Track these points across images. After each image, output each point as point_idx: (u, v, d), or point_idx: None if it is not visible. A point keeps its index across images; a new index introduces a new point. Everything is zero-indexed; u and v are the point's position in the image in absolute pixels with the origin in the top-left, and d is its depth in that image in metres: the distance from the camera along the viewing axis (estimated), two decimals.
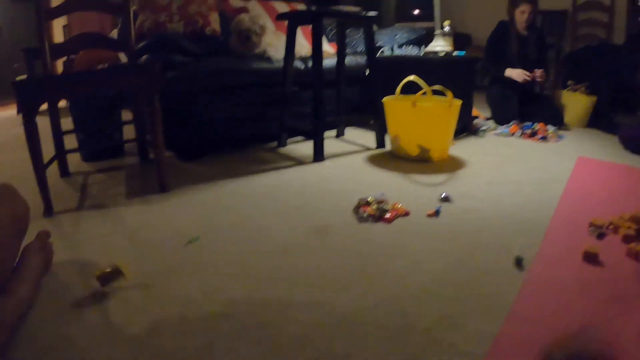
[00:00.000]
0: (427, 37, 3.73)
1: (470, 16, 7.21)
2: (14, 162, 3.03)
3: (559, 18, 6.41)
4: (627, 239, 1.80)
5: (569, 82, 4.59)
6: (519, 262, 1.60)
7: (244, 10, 3.73)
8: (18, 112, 2.00)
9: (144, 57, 2.90)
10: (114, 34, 3.64)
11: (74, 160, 2.94)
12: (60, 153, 2.71)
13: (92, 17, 6.17)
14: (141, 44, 2.94)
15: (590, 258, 1.64)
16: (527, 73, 4.04)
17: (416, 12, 6.87)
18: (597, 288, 1.44)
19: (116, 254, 1.68)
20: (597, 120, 4.24)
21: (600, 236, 1.84)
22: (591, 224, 1.91)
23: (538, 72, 4.06)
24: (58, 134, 2.66)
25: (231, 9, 3.76)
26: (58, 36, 7.05)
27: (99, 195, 2.38)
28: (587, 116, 4.31)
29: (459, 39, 6.85)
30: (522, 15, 4.20)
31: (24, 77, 5.74)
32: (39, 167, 2.10)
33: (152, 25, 3.16)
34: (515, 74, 4.07)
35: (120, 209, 2.15)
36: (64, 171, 2.75)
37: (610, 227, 1.91)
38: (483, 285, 1.46)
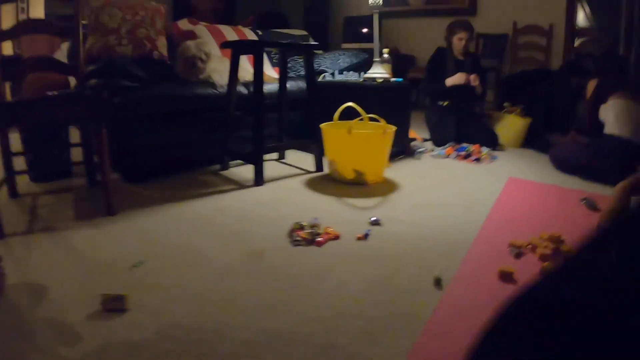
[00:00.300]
0: (370, 61, 3.91)
1: (415, 39, 7.44)
2: None
3: (500, 41, 6.63)
4: (543, 258, 1.96)
5: (505, 104, 4.87)
6: (438, 282, 1.76)
7: (191, 34, 3.87)
8: None
9: (93, 81, 3.00)
10: (62, 54, 3.69)
11: (23, 182, 3.00)
12: (10, 174, 2.78)
13: (42, 36, 6.15)
14: (90, 68, 3.04)
15: (506, 277, 1.79)
16: (464, 75, 4.29)
17: (364, 30, 7.03)
18: None
19: (65, 277, 1.79)
20: (532, 141, 4.52)
21: (518, 256, 2.01)
22: (510, 245, 2.08)
23: (472, 76, 4.30)
24: (7, 156, 2.73)
25: (179, 32, 3.89)
26: (7, 49, 6.99)
27: (48, 217, 2.47)
28: (522, 137, 4.58)
29: (403, 61, 7.09)
30: (459, 42, 4.47)
31: None
32: None
33: (101, 49, 3.24)
34: (455, 77, 4.33)
35: (69, 232, 2.25)
36: (13, 192, 2.82)
37: (529, 247, 2.08)
38: (402, 304, 1.63)
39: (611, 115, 3.47)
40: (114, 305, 1.56)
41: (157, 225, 2.34)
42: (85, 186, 3.01)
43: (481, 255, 2.04)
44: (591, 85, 3.77)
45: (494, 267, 1.87)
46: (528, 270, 1.89)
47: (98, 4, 3.30)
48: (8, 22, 2.68)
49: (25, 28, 2.77)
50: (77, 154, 3.11)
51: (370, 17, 3.67)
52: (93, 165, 3.01)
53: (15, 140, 2.88)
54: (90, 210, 2.57)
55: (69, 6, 2.80)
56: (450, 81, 4.36)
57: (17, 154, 2.83)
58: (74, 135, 3.22)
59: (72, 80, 3.33)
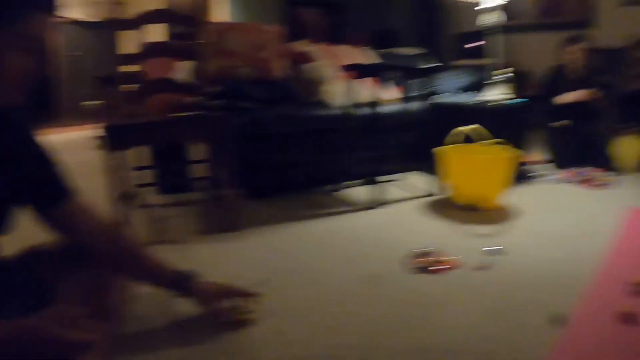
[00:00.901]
0: (486, 80, 3.82)
1: (528, 54, 7.20)
2: (86, 190, 3.30)
3: (618, 56, 6.25)
4: None
5: (629, 125, 4.57)
6: (555, 320, 1.67)
7: (306, 55, 3.95)
8: (109, 150, 2.28)
9: (217, 102, 3.14)
10: (180, 73, 3.86)
11: (151, 193, 3.21)
12: (140, 186, 2.98)
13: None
14: (214, 90, 3.18)
15: (628, 318, 1.66)
16: (584, 91, 4.12)
17: (477, 44, 6.91)
18: (632, 349, 1.52)
19: None
20: None
21: None
22: (634, 283, 1.90)
23: (591, 91, 4.14)
24: (137, 169, 2.93)
25: (296, 54, 3.98)
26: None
27: (173, 230, 2.62)
28: None
29: (517, 77, 6.87)
30: (573, 56, 4.29)
31: (92, 102, 6.15)
32: (118, 199, 2.39)
33: (223, 71, 3.37)
34: (573, 95, 4.15)
35: (194, 244, 2.40)
36: (141, 203, 3.01)
37: None
38: (517, 340, 1.57)
39: None
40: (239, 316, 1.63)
41: (276, 244, 2.42)
42: (207, 200, 3.15)
43: (600, 293, 1.91)
44: None
45: (615, 306, 1.74)
46: None
47: (219, 28, 3.46)
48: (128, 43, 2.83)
49: (155, 51, 2.92)
50: (196, 170, 3.27)
51: (483, 33, 3.60)
52: (215, 181, 3.15)
53: (141, 155, 3.09)
54: (212, 224, 2.70)
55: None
56: (567, 98, 4.17)
57: (145, 167, 3.02)
58: (194, 152, 3.38)
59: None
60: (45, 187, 1.23)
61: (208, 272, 2.05)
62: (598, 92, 4.12)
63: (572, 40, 4.34)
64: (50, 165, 1.24)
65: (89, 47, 9.04)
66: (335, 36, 12.23)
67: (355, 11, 12.72)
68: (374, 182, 3.03)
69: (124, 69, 2.72)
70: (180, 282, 1.56)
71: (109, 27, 2.90)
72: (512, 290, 1.93)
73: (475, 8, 3.52)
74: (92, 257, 1.30)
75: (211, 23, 3.56)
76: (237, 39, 3.45)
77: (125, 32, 2.76)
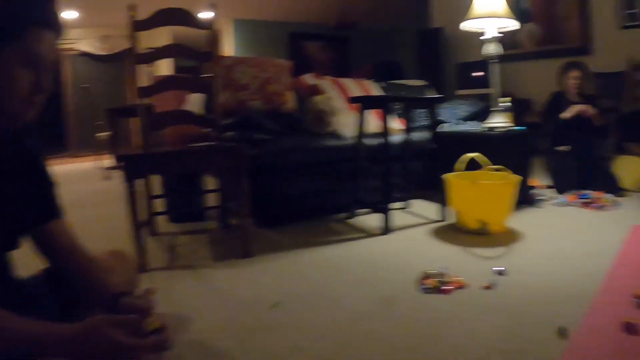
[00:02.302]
0: (488, 109, 3.92)
1: (529, 82, 7.31)
2: (101, 218, 3.39)
3: (617, 79, 6.24)
4: None
5: (629, 145, 4.66)
6: (562, 333, 1.72)
7: (316, 88, 4.06)
8: (125, 181, 2.35)
9: (229, 133, 3.24)
10: (191, 105, 3.95)
11: (161, 221, 3.28)
12: (152, 214, 3.05)
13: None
14: (226, 122, 3.28)
15: (630, 329, 1.72)
16: (579, 106, 4.23)
17: (479, 74, 7.04)
18: (636, 357, 1.57)
19: (209, 311, 1.95)
20: None
21: None
22: (636, 295, 1.97)
23: (585, 106, 4.23)
24: (150, 198, 3.01)
25: (305, 86, 4.09)
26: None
27: (187, 256, 2.69)
28: None
29: (519, 105, 6.95)
30: (573, 82, 4.40)
31: (106, 134, 6.29)
32: (137, 226, 2.44)
33: (234, 103, 3.46)
34: (569, 110, 4.26)
35: (208, 270, 2.44)
36: (153, 231, 3.08)
37: None
38: (529, 353, 1.61)
39: None
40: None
41: (291, 269, 2.46)
42: (218, 229, 3.22)
43: (605, 306, 1.97)
44: None
45: (618, 318, 1.80)
46: None
47: (229, 62, 3.56)
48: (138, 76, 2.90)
49: (168, 84, 3.01)
50: (207, 200, 3.35)
51: (485, 62, 3.69)
52: (227, 210, 3.22)
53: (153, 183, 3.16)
54: (226, 251, 2.76)
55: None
56: (566, 114, 4.27)
57: (158, 196, 3.10)
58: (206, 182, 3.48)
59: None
60: (42, 204, 1.28)
61: (226, 293, 2.13)
62: (592, 108, 4.22)
63: (571, 67, 4.47)
64: (49, 184, 1.30)
65: (98, 79, 9.24)
66: (340, 69, 12.44)
67: (359, 44, 12.98)
68: (384, 210, 3.09)
69: (137, 101, 2.79)
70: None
71: (123, 60, 2.99)
72: (520, 307, 1.98)
73: (479, 38, 3.63)
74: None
75: (222, 57, 3.66)
76: (247, 73, 3.54)
77: (137, 65, 2.82)
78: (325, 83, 4.16)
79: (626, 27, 6.35)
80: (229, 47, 11.20)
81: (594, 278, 2.26)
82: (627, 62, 6.24)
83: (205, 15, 4.04)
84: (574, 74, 4.43)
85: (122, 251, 1.69)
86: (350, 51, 13.08)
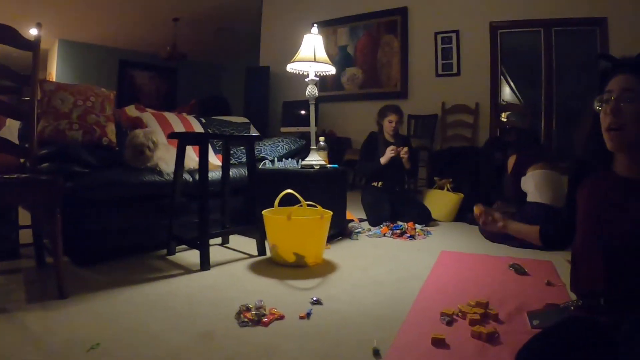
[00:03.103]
0: (308, 147, 4.13)
1: (350, 122, 7.82)
2: None
3: (430, 121, 7.05)
4: (472, 323, 2.15)
5: (435, 179, 5.18)
6: (376, 353, 1.90)
7: (139, 120, 4.02)
8: None
9: (45, 165, 3.10)
10: (8, 131, 3.70)
11: None
12: None
13: None
14: (42, 152, 3.14)
15: (438, 343, 1.97)
16: (394, 148, 4.61)
17: (302, 112, 7.34)
18: None
19: None
20: (463, 215, 4.80)
21: (450, 323, 2.19)
22: (442, 313, 2.25)
23: (400, 148, 4.63)
24: None
25: (127, 118, 4.03)
26: None
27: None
28: (455, 211, 4.86)
29: (340, 143, 7.40)
30: (389, 124, 4.80)
31: None
32: None
33: (52, 132, 3.29)
34: (387, 154, 4.64)
35: (22, 313, 2.28)
36: None
37: (459, 314, 2.27)
38: None
39: (532, 185, 3.84)
40: None
41: (109, 309, 2.39)
42: (33, 268, 3.03)
43: (416, 325, 2.19)
44: (511, 161, 4.18)
45: (428, 334, 2.02)
46: (459, 335, 2.07)
47: (50, 88, 3.37)
48: None
49: None
50: (24, 236, 3.15)
51: (308, 102, 3.92)
52: (42, 247, 3.05)
53: None
54: (41, 292, 2.60)
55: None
56: (384, 159, 4.66)
57: None
58: (23, 216, 3.26)
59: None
60: None
61: (41, 338, 2.02)
62: (406, 150, 4.62)
63: (388, 110, 4.87)
64: None
65: None
66: (168, 100, 12.29)
67: (189, 77, 12.92)
68: (202, 246, 3.11)
69: None
70: None
71: None
72: (336, 333, 2.13)
73: (304, 79, 3.86)
74: None
75: (43, 81, 3.47)
76: (68, 100, 3.38)
77: None
78: (148, 116, 4.13)
79: (440, 76, 7.13)
80: (52, 68, 10.57)
81: (406, 301, 2.51)
82: (440, 106, 6.98)
83: (29, 32, 3.77)
84: (391, 117, 4.82)
85: None
86: (179, 83, 12.99)
